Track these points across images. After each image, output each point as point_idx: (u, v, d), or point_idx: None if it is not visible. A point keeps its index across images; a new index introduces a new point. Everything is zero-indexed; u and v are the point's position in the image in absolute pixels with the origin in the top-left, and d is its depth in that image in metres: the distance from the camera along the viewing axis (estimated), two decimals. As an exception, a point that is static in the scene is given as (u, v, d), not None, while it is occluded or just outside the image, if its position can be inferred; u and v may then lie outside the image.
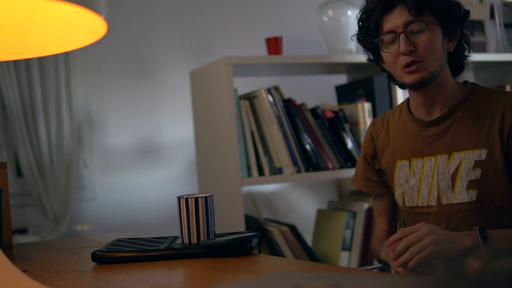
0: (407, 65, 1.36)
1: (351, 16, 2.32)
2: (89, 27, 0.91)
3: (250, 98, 2.18)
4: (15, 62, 2.65)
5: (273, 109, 2.14)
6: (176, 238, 1.26)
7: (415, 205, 1.45)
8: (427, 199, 1.42)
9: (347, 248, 2.26)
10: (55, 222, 2.71)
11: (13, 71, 2.65)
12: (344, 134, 2.27)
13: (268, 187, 2.94)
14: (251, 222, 2.21)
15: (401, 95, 2.36)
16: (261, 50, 2.57)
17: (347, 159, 2.26)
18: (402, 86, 1.45)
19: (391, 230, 1.57)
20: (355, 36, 1.50)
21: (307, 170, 2.19)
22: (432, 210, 1.41)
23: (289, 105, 2.19)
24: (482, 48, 2.50)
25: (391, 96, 2.40)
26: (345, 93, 2.53)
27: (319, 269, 1.03)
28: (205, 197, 1.17)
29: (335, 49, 2.36)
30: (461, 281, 0.58)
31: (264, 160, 2.13)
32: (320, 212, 2.47)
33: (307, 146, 2.19)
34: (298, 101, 2.26)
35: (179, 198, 1.17)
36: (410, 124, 1.47)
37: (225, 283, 0.89)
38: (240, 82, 2.24)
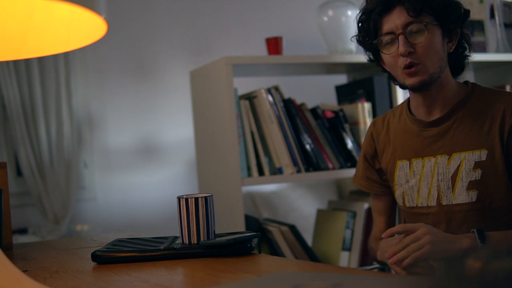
0: (407, 67, 1.36)
1: (351, 16, 2.32)
2: (89, 27, 0.91)
3: (250, 98, 2.18)
4: (15, 62, 2.65)
5: (273, 109, 2.14)
6: (176, 238, 1.26)
7: (414, 205, 1.45)
8: (426, 200, 1.42)
9: (347, 248, 2.26)
10: (55, 222, 2.71)
11: (13, 71, 2.65)
12: (344, 134, 2.27)
13: (268, 187, 2.94)
14: (251, 222, 2.21)
15: (401, 95, 2.36)
16: (261, 50, 2.57)
17: (347, 159, 2.26)
18: (403, 87, 1.45)
19: (389, 230, 1.57)
20: (354, 37, 1.50)
21: (307, 170, 2.19)
22: (432, 210, 1.41)
23: (289, 105, 2.19)
24: (482, 48, 2.50)
25: (391, 96, 2.40)
26: (345, 93, 2.53)
27: (319, 269, 1.03)
28: (205, 197, 1.17)
29: (335, 49, 2.36)
30: (461, 281, 0.58)
31: (264, 160, 2.13)
32: (320, 212, 2.47)
33: (307, 146, 2.19)
34: (298, 101, 2.26)
35: (179, 198, 1.17)
36: (411, 125, 1.47)
37: (225, 283, 0.89)
38: (240, 82, 2.24)
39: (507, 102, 1.36)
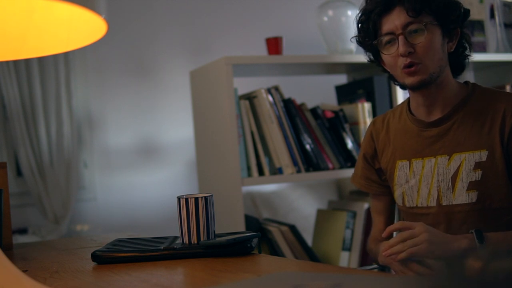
0: (407, 66, 1.35)
1: (351, 16, 2.32)
2: (89, 27, 0.91)
3: (250, 98, 2.18)
4: (15, 62, 2.65)
5: (273, 109, 2.14)
6: (176, 238, 1.26)
7: (414, 205, 1.45)
8: (426, 200, 1.42)
9: (347, 248, 2.26)
10: (55, 222, 2.71)
11: (13, 71, 2.65)
12: (344, 134, 2.27)
13: (268, 187, 2.94)
14: (251, 222, 2.21)
15: (401, 95, 2.36)
16: (261, 50, 2.57)
17: (347, 159, 2.26)
18: (403, 87, 1.45)
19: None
20: (354, 38, 1.50)
21: (307, 170, 2.19)
22: (432, 211, 1.41)
23: (289, 105, 2.19)
24: (482, 48, 2.50)
25: (391, 96, 2.40)
26: (345, 93, 2.53)
27: (319, 269, 1.03)
28: (205, 197, 1.17)
29: (335, 49, 2.36)
30: (461, 281, 0.58)
31: (264, 160, 2.13)
32: (320, 212, 2.47)
33: (307, 146, 2.19)
34: (298, 101, 2.26)
35: (179, 198, 1.17)
36: (411, 125, 1.47)
37: (225, 283, 0.89)
38: (240, 82, 2.24)
39: (507, 103, 1.36)
